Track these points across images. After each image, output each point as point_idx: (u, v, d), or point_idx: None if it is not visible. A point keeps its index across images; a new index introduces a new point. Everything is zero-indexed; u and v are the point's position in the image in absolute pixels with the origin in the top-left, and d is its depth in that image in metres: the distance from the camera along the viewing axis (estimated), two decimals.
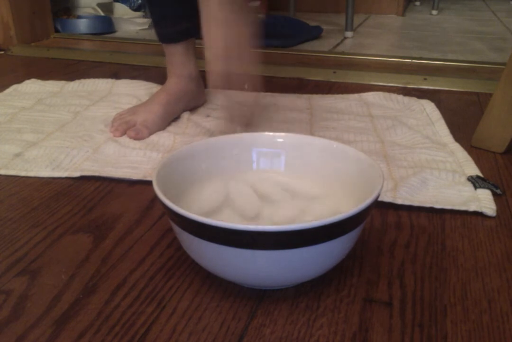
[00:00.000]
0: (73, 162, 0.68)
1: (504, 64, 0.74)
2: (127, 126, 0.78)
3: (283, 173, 0.54)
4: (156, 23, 0.84)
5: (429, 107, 0.90)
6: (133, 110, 0.82)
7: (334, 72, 1.17)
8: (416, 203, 0.58)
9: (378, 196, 0.41)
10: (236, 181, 0.53)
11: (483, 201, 0.58)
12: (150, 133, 0.78)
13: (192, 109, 0.88)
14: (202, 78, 0.85)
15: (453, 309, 0.42)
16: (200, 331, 0.39)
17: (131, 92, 0.98)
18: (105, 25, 1.75)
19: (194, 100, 0.87)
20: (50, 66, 1.25)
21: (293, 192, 0.52)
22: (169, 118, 0.82)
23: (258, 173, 0.54)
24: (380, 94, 0.97)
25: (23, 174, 0.66)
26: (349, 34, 1.68)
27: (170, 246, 0.51)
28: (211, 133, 0.79)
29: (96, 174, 0.65)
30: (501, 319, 0.41)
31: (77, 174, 0.65)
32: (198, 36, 0.74)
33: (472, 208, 0.57)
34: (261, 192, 0.51)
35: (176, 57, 0.83)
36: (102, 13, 1.84)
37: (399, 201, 0.58)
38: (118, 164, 0.68)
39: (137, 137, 0.76)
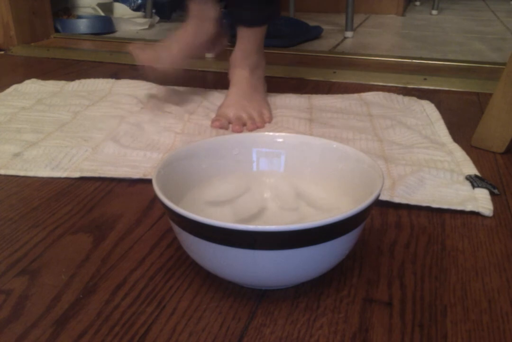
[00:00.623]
0: (72, 162, 0.68)
1: (504, 64, 0.74)
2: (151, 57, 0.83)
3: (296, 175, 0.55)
4: None
5: (429, 108, 0.90)
6: (154, 46, 0.86)
7: (334, 72, 1.17)
8: (413, 202, 0.58)
9: (378, 196, 0.41)
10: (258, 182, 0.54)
11: (480, 201, 0.58)
12: (171, 63, 0.84)
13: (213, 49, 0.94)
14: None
15: (453, 309, 0.42)
16: (200, 331, 0.39)
17: (131, 93, 0.98)
18: (105, 25, 1.75)
19: (213, 44, 0.92)
20: (50, 66, 1.25)
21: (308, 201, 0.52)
22: (187, 56, 0.87)
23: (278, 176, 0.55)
24: (380, 94, 0.98)
25: (22, 173, 0.66)
26: (349, 34, 1.68)
27: (170, 246, 0.51)
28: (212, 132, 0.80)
29: (96, 174, 0.65)
30: (501, 319, 0.41)
31: (76, 175, 0.65)
32: None
33: (469, 207, 0.57)
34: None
35: (195, 4, 0.87)
36: (102, 13, 1.84)
37: (397, 200, 0.58)
38: (118, 163, 0.68)
39: (149, 62, 0.83)
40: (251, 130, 0.81)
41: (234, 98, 0.85)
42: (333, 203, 0.50)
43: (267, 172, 0.54)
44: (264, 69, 0.92)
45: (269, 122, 0.84)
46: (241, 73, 0.87)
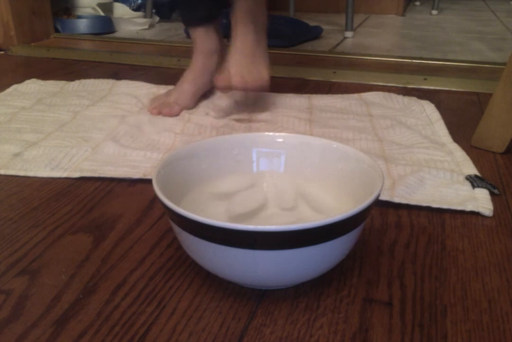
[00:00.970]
0: (72, 162, 0.68)
1: (504, 64, 0.74)
2: (163, 106, 0.87)
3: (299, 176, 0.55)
4: (182, 9, 0.93)
5: (429, 108, 0.90)
6: (168, 92, 0.91)
7: (334, 72, 1.17)
8: (413, 202, 0.58)
9: (378, 196, 0.41)
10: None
11: (480, 201, 0.58)
12: (182, 110, 0.87)
13: None
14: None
15: (453, 309, 0.42)
16: (200, 331, 0.39)
17: (131, 93, 0.98)
18: (105, 25, 1.75)
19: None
20: (50, 66, 1.25)
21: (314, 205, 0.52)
22: (199, 93, 0.92)
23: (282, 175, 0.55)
24: (380, 94, 0.98)
25: (22, 173, 0.66)
26: (349, 34, 1.68)
27: (170, 246, 0.51)
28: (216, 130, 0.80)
29: (96, 174, 0.65)
30: (501, 319, 0.41)
31: (76, 175, 0.65)
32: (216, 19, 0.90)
33: (469, 207, 0.57)
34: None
35: (197, 37, 0.90)
36: (102, 13, 1.84)
37: (396, 200, 0.58)
38: (118, 163, 0.68)
39: (170, 114, 0.86)
40: (249, 89, 0.83)
41: (238, 57, 0.85)
42: (333, 203, 0.50)
43: (267, 172, 0.54)
44: (266, 23, 0.94)
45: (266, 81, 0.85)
46: (242, 29, 0.87)
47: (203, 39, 0.90)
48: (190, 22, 0.90)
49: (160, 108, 0.87)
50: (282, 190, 0.53)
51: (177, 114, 0.86)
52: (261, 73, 0.85)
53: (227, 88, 0.82)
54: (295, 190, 0.53)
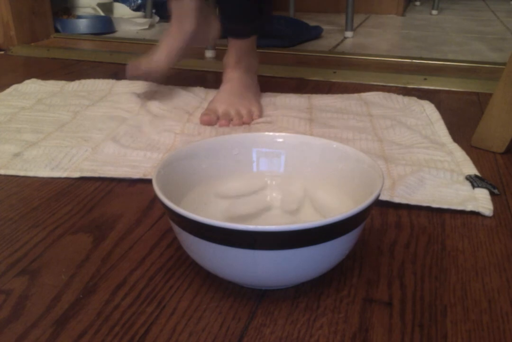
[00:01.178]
0: (72, 162, 0.68)
1: (504, 64, 0.74)
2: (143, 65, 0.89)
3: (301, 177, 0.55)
4: None
5: (429, 108, 0.90)
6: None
7: (334, 72, 1.17)
8: (413, 202, 0.58)
9: (378, 196, 0.41)
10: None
11: (480, 201, 0.58)
12: (161, 69, 0.88)
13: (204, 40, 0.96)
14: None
15: (453, 309, 0.42)
16: (200, 331, 0.39)
17: (131, 93, 0.98)
18: (105, 25, 1.75)
19: (200, 37, 0.93)
20: (50, 66, 1.25)
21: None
22: (176, 51, 0.90)
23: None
24: (380, 94, 0.98)
25: (22, 173, 0.66)
26: (349, 34, 1.68)
27: (170, 246, 0.51)
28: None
29: (96, 174, 0.65)
30: (501, 319, 0.41)
31: (76, 175, 0.65)
32: None
33: (469, 207, 0.57)
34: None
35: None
36: (102, 13, 1.84)
37: (397, 200, 0.58)
38: (118, 163, 0.68)
39: (150, 68, 0.88)
40: (235, 125, 0.82)
41: (225, 95, 0.86)
42: (334, 204, 0.50)
43: (267, 172, 0.54)
44: (257, 69, 0.93)
45: (257, 119, 0.85)
46: (233, 73, 0.88)
47: (179, 4, 0.88)
48: None
49: (140, 65, 0.87)
50: (288, 193, 0.53)
51: (158, 70, 0.88)
52: (250, 108, 0.86)
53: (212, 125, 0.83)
54: (302, 193, 0.53)
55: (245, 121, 0.83)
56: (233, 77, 0.88)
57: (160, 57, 0.88)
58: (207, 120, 0.82)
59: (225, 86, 0.88)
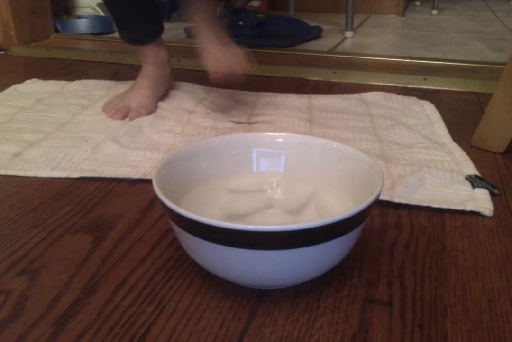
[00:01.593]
0: (72, 162, 0.68)
1: (504, 64, 0.74)
2: (126, 110, 0.86)
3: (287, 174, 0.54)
4: (128, 28, 0.93)
5: (429, 108, 0.90)
6: (123, 96, 0.90)
7: (334, 72, 1.17)
8: (413, 202, 0.58)
9: (378, 196, 0.41)
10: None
11: (480, 201, 0.58)
12: (148, 114, 0.86)
13: (165, 94, 0.96)
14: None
15: (453, 309, 0.42)
16: (200, 331, 0.39)
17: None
18: (105, 25, 1.75)
19: (168, 83, 0.96)
20: (50, 66, 1.25)
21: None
22: (156, 101, 0.91)
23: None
24: (380, 94, 0.97)
25: (22, 173, 0.66)
26: (349, 34, 1.68)
27: (170, 246, 0.51)
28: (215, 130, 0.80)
29: (96, 174, 0.65)
30: (501, 319, 0.41)
31: (76, 175, 0.65)
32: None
33: (469, 207, 0.57)
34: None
35: (149, 51, 0.92)
36: (102, 13, 1.84)
37: (397, 200, 0.58)
38: (118, 163, 0.68)
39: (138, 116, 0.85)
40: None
41: (213, 45, 0.85)
42: (336, 206, 0.50)
43: (267, 172, 0.54)
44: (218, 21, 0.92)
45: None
46: (210, 37, 0.86)
47: (154, 51, 0.91)
48: (140, 40, 0.91)
49: (124, 113, 0.85)
50: (293, 193, 0.53)
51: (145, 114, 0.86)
52: (239, 55, 0.85)
53: (220, 70, 0.82)
54: (307, 195, 0.53)
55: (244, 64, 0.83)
56: (208, 37, 0.88)
57: (147, 102, 0.89)
58: (213, 63, 0.82)
59: (207, 42, 0.86)
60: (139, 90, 0.90)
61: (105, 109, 0.88)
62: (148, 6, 0.89)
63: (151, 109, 0.88)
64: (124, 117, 0.85)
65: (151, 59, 0.92)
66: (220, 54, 0.83)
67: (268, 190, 0.54)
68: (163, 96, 0.94)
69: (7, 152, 0.71)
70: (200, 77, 1.17)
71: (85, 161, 0.69)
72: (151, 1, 0.90)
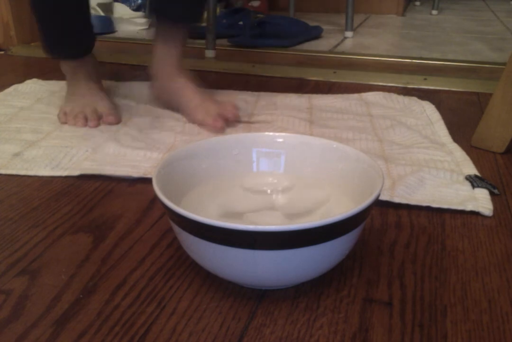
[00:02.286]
0: (72, 162, 0.68)
1: (504, 64, 0.74)
2: (96, 116, 0.82)
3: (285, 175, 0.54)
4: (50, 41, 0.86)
5: (429, 109, 0.90)
6: (77, 104, 0.84)
7: (334, 72, 1.17)
8: (413, 202, 0.58)
9: (378, 196, 0.41)
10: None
11: (480, 201, 0.58)
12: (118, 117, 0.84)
13: None
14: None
15: (453, 309, 0.42)
16: (200, 331, 0.39)
17: (130, 93, 0.98)
18: (105, 25, 1.75)
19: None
20: (50, 66, 1.25)
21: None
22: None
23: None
24: (380, 94, 0.97)
25: (22, 173, 0.66)
26: (349, 34, 1.68)
27: (170, 246, 0.51)
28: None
29: (96, 172, 0.65)
30: (501, 319, 0.41)
31: (76, 173, 0.65)
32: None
33: (469, 207, 0.57)
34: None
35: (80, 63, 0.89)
36: (102, 13, 1.84)
37: (396, 200, 0.58)
38: (118, 163, 0.68)
39: (117, 121, 0.83)
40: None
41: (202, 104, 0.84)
42: (334, 205, 0.50)
43: (267, 172, 0.54)
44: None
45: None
46: (187, 83, 0.87)
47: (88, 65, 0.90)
48: (76, 54, 0.87)
49: (98, 119, 0.82)
50: (281, 189, 0.53)
51: (120, 121, 0.84)
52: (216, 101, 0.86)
53: (218, 122, 0.80)
54: (293, 189, 0.53)
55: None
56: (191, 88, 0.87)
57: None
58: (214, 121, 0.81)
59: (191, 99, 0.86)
60: (95, 95, 0.86)
61: (69, 118, 0.82)
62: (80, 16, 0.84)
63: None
64: (98, 124, 0.81)
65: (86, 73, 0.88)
66: (209, 106, 0.82)
67: (269, 191, 0.53)
68: None
69: (7, 152, 0.71)
70: (200, 77, 1.17)
71: (85, 161, 0.69)
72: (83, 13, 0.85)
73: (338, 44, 1.57)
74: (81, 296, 0.43)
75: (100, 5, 1.84)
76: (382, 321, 0.41)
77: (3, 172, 0.66)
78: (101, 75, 0.95)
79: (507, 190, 0.63)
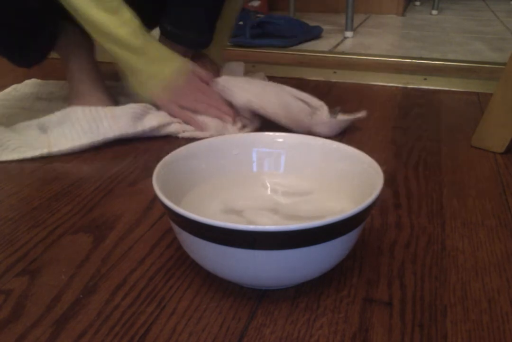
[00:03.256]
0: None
1: (504, 64, 0.74)
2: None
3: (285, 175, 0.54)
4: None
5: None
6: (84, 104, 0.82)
7: (334, 72, 1.17)
8: None
9: (378, 196, 0.41)
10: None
11: None
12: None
13: None
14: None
15: (453, 309, 0.42)
16: (200, 331, 0.39)
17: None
18: None
19: None
20: (50, 66, 1.25)
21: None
22: None
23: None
24: None
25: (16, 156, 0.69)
26: (349, 34, 1.68)
27: (170, 246, 0.51)
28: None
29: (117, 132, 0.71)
30: (501, 319, 0.41)
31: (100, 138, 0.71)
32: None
33: None
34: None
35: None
36: None
37: None
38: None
39: None
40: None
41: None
42: (334, 205, 0.50)
43: (267, 172, 0.54)
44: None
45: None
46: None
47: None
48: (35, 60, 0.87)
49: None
50: (281, 189, 0.53)
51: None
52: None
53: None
54: (292, 189, 0.53)
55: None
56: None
57: None
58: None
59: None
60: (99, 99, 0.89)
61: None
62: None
63: None
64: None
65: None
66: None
67: (269, 191, 0.53)
68: None
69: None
70: None
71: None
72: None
73: (338, 44, 1.57)
74: (81, 296, 0.43)
75: None
76: (382, 321, 0.41)
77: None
78: (102, 75, 0.95)
79: (507, 190, 0.63)
